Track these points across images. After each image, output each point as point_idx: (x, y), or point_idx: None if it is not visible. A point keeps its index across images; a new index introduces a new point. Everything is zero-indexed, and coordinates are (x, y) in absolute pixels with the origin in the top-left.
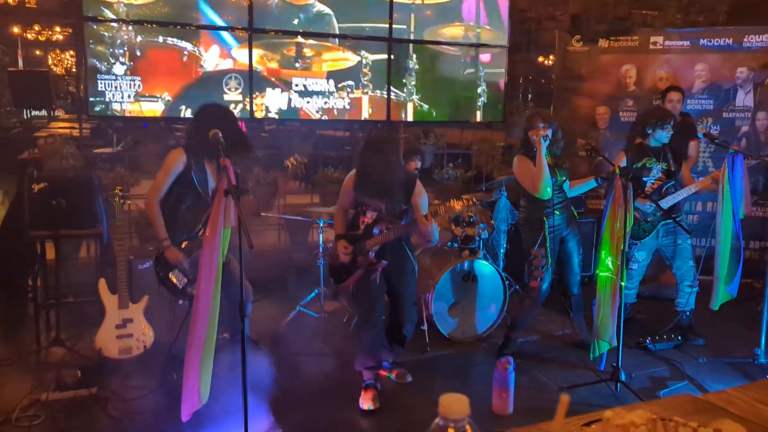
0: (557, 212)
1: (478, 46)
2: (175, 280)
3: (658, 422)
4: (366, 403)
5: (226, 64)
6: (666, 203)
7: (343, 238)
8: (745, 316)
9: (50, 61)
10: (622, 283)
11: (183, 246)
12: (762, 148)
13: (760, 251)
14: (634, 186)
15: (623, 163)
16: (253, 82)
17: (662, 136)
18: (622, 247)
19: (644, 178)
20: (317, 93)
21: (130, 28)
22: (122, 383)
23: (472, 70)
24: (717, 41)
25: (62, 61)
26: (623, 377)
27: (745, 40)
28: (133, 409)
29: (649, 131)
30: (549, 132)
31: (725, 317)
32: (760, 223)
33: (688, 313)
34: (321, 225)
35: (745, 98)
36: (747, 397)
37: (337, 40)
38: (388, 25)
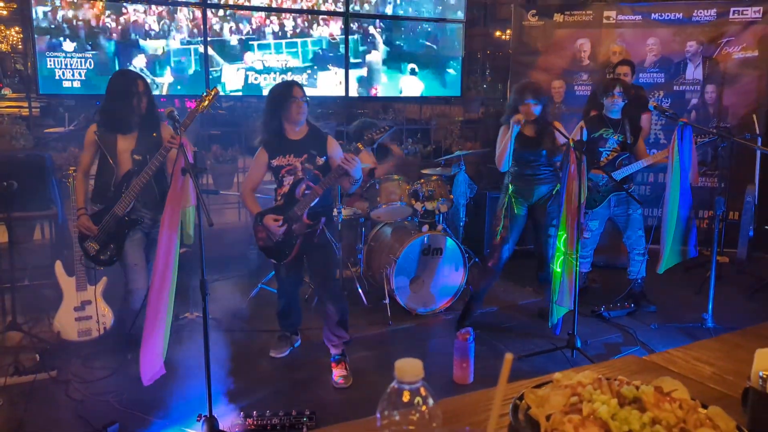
0: (542, 183)
1: (436, 20)
2: (88, 249)
3: (603, 381)
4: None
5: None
6: (618, 175)
7: (267, 213)
8: (694, 283)
9: None
10: (575, 254)
11: (94, 213)
12: (711, 120)
13: (708, 220)
14: (589, 156)
15: (583, 133)
16: (208, 58)
17: (609, 104)
18: (577, 219)
19: (600, 149)
20: (275, 70)
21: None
22: (83, 365)
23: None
24: (668, 15)
25: (8, 38)
26: (578, 344)
27: (695, 14)
28: (94, 390)
29: (602, 101)
30: (538, 108)
31: (675, 284)
32: (708, 193)
33: (639, 281)
34: None
35: (694, 71)
36: (687, 356)
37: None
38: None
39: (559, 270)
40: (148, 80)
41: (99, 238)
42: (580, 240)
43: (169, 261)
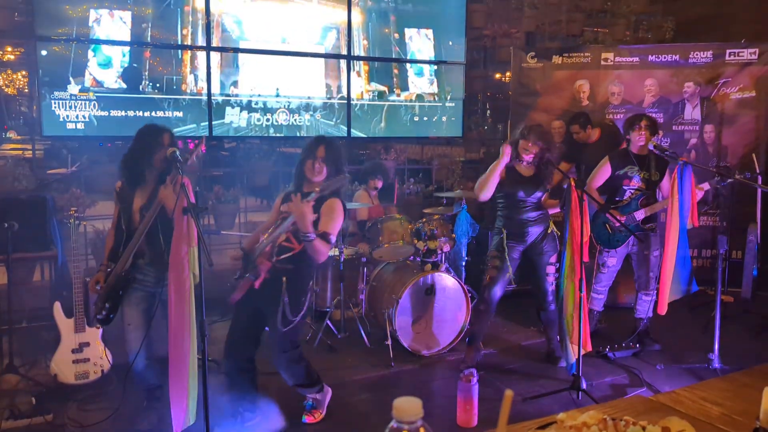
0: (531, 225)
1: (437, 63)
2: (94, 307)
3: (608, 422)
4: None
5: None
6: (640, 215)
7: None
8: (699, 323)
9: (1, 82)
10: (582, 294)
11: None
12: (710, 159)
13: (711, 259)
14: (611, 195)
15: (607, 168)
16: (211, 100)
17: (637, 138)
18: (580, 257)
19: (624, 187)
20: (275, 110)
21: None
22: (79, 409)
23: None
24: (665, 57)
25: (14, 82)
26: (584, 385)
27: (691, 56)
28: None
29: (627, 137)
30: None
31: (680, 324)
32: (710, 232)
33: (645, 320)
34: None
35: (693, 112)
36: (694, 396)
37: None
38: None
39: (570, 309)
40: (173, 132)
41: (101, 296)
42: (597, 275)
43: (183, 301)
